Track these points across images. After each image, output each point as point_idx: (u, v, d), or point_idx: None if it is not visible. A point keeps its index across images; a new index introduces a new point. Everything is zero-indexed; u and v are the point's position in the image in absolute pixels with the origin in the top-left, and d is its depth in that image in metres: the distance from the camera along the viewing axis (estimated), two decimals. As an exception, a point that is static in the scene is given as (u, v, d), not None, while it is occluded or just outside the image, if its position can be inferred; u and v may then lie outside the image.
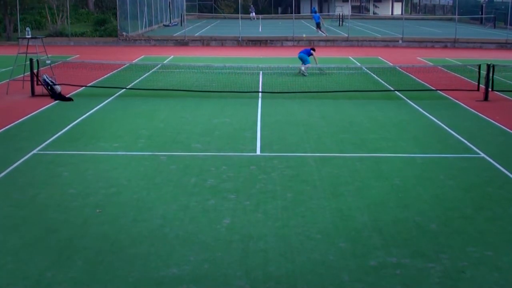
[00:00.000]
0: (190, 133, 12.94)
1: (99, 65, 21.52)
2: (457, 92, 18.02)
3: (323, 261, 6.80)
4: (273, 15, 65.03)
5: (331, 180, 9.75)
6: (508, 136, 13.10)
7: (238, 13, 42.35)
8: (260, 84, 19.42)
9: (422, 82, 20.24)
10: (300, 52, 22.95)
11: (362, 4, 73.67)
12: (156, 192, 9.06)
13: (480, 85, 18.02)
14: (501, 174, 10.20)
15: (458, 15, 46.10)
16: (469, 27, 49.78)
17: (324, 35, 38.21)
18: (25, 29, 20.19)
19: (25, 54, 17.99)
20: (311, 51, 23.03)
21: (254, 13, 61.63)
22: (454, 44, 35.74)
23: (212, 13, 67.38)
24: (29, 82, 17.38)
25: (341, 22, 53.00)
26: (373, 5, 75.25)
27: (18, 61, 18.27)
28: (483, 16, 55.23)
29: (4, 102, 16.48)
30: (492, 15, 51.82)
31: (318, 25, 40.56)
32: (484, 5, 56.44)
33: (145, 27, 41.58)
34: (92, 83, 19.26)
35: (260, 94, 17.76)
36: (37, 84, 17.35)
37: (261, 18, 58.17)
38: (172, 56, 28.67)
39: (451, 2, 68.49)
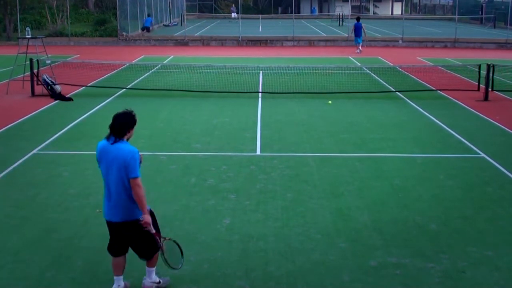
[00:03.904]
0: (190, 133, 12.94)
1: (99, 65, 21.53)
2: (457, 92, 18.02)
3: (323, 261, 6.80)
4: (273, 15, 65.01)
5: (331, 180, 9.74)
6: (508, 136, 13.09)
7: (238, 13, 42.34)
8: (260, 84, 19.42)
9: (422, 82, 20.23)
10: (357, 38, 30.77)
11: (362, 4, 73.65)
12: (156, 192, 9.05)
13: (480, 85, 18.03)
14: (501, 174, 10.20)
15: (458, 15, 46.09)
16: (469, 27, 49.78)
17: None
18: (25, 29, 20.19)
19: (25, 54, 18.00)
20: (361, 24, 30.81)
21: (235, 13, 61.26)
22: (454, 44, 35.72)
23: (212, 13, 67.39)
24: (29, 82, 17.39)
25: (341, 22, 53.00)
26: (373, 5, 75.23)
27: (18, 61, 18.27)
28: (483, 16, 55.23)
29: (4, 102, 16.48)
30: (492, 15, 51.81)
31: (147, 29, 40.70)
32: (484, 5, 56.43)
33: (145, 27, 41.55)
34: (92, 83, 19.26)
35: (260, 94, 17.76)
36: (37, 84, 17.35)
37: (261, 18, 58.13)
38: (172, 56, 28.67)
39: (451, 2, 68.49)
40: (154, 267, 6.08)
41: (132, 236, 5.86)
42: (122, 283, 6.00)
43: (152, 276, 6.09)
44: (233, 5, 64.93)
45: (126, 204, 5.73)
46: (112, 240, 5.99)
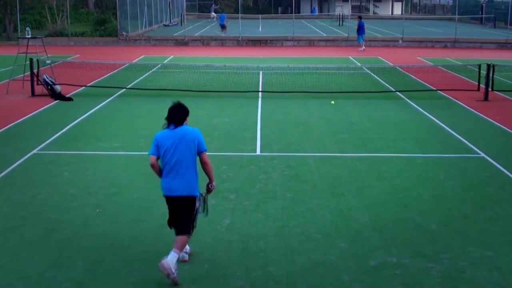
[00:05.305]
0: (190, 133, 12.90)
1: (99, 65, 21.52)
2: (457, 92, 18.02)
3: (323, 261, 6.80)
4: (273, 15, 64.98)
5: (331, 180, 9.74)
6: (508, 136, 13.09)
7: (238, 13, 42.35)
8: (260, 84, 19.42)
9: (422, 82, 20.23)
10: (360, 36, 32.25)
11: (362, 4, 73.65)
12: (156, 192, 8.98)
13: (480, 85, 18.02)
14: (501, 174, 10.20)
15: (458, 15, 46.08)
16: (469, 27, 49.76)
17: (223, 35, 39.25)
18: (25, 29, 20.19)
19: (25, 54, 18.00)
20: (362, 23, 32.03)
21: (214, 13, 61.08)
22: (454, 44, 35.73)
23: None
24: (29, 82, 17.39)
25: (341, 22, 53.00)
26: (373, 5, 75.24)
27: (18, 61, 18.26)
28: (483, 16, 55.23)
29: (4, 102, 16.48)
30: (492, 15, 51.81)
31: (223, 26, 41.13)
32: (484, 5, 56.43)
33: (145, 27, 41.57)
34: (92, 83, 19.26)
35: (260, 94, 17.76)
36: (37, 84, 17.35)
37: (261, 18, 58.11)
38: (172, 56, 28.67)
39: (451, 2, 68.47)
40: (179, 250, 6.32)
41: (186, 210, 6.39)
42: (188, 248, 6.73)
43: (174, 260, 6.22)
44: (213, 4, 64.88)
45: (191, 179, 6.35)
46: (172, 216, 6.54)
